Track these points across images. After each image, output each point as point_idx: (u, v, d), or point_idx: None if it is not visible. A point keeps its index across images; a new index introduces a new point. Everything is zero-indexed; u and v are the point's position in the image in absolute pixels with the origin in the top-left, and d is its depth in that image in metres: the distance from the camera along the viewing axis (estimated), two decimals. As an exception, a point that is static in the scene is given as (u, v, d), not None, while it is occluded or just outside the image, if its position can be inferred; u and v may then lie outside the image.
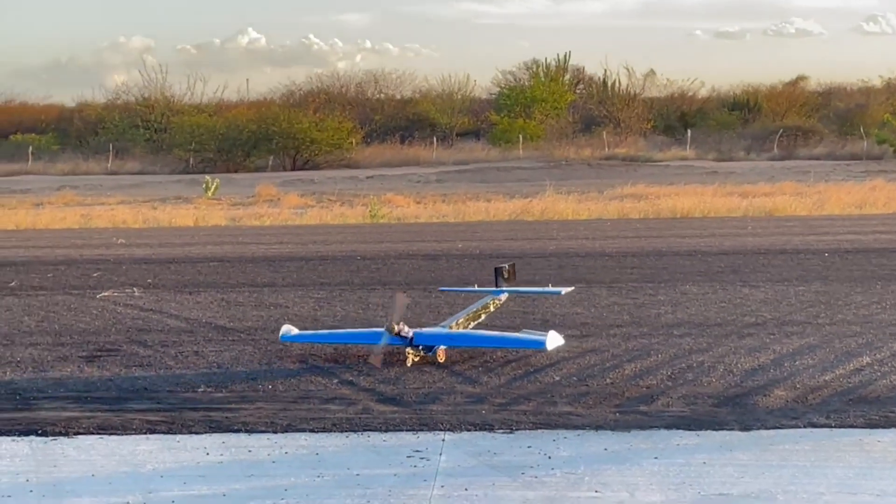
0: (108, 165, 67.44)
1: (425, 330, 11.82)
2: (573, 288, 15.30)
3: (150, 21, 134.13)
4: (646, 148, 67.95)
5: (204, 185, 47.33)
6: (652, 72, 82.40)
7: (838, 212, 33.13)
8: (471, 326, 12.50)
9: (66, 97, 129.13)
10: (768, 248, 22.62)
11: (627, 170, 56.63)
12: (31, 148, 70.60)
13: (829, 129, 71.64)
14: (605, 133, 70.69)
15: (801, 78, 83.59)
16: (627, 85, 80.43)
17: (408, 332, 11.29)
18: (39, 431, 9.27)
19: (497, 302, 13.26)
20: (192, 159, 68.00)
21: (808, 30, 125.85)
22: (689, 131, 70.38)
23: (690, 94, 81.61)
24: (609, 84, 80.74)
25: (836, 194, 36.66)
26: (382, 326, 11.62)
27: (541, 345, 11.29)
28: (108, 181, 57.98)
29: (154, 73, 78.87)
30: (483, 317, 12.88)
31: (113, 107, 77.40)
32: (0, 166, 66.63)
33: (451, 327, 12.15)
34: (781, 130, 69.54)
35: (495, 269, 13.81)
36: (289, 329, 12.48)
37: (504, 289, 13.49)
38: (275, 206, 40.02)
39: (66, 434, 9.18)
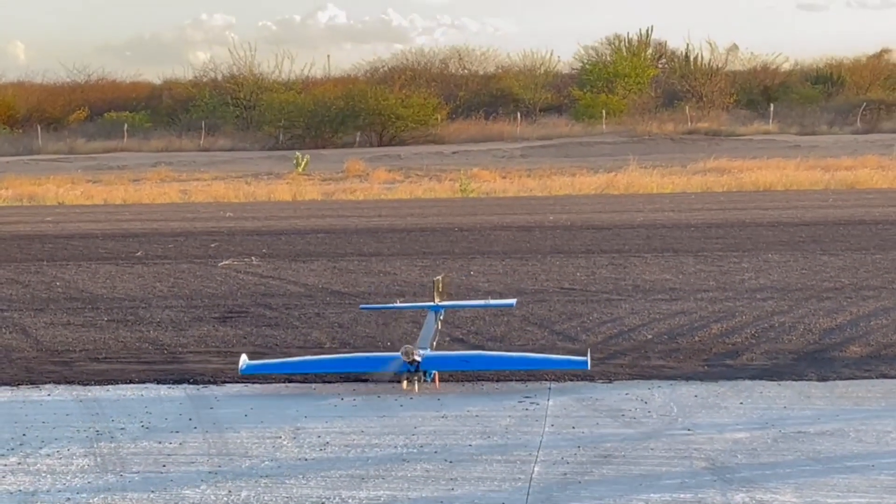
0: (201, 142, 69.03)
1: (430, 353, 10.12)
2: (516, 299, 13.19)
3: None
4: (728, 122, 68.05)
5: (294, 161, 48.49)
6: (735, 46, 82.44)
7: (920, 185, 33.44)
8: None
9: (152, 74, 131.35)
10: (848, 219, 23.25)
11: (710, 144, 56.88)
12: (125, 125, 72.45)
13: (914, 103, 71.33)
14: (687, 107, 70.92)
15: (885, 51, 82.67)
16: (710, 59, 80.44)
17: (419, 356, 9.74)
18: (191, 380, 10.36)
19: (440, 320, 11.41)
20: (281, 136, 69.36)
21: (892, 0, 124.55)
22: (771, 105, 70.33)
23: (773, 67, 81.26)
24: (691, 58, 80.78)
25: (919, 167, 37.02)
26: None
27: (584, 365, 9.85)
28: (201, 157, 59.40)
29: (243, 50, 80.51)
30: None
31: (200, 84, 78.88)
32: (97, 143, 68.83)
33: (431, 348, 10.39)
34: (865, 104, 69.36)
35: (433, 281, 11.89)
36: (244, 360, 10.32)
37: (443, 304, 11.53)
38: (364, 182, 41.05)
39: (215, 382, 10.28)
